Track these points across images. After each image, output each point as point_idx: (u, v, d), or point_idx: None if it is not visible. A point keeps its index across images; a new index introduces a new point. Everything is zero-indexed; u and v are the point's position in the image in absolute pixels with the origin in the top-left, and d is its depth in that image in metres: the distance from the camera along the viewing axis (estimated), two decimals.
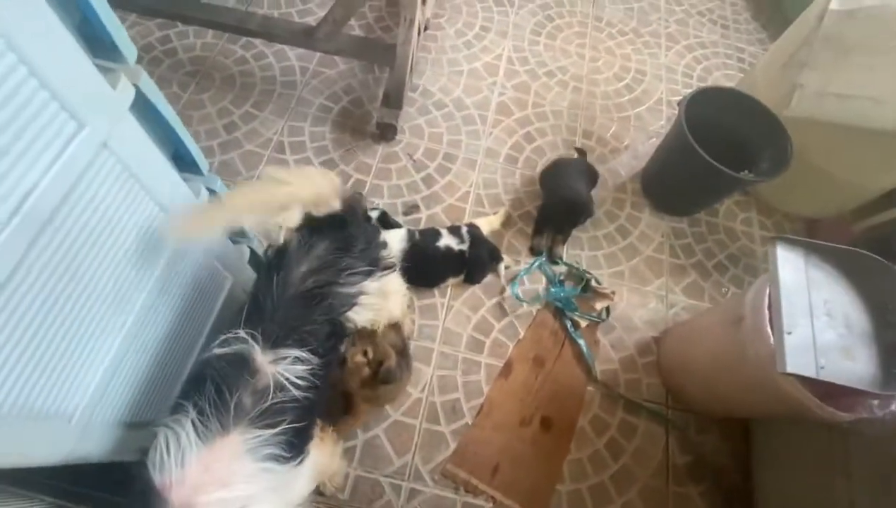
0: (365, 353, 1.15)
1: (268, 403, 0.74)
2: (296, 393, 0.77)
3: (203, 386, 0.74)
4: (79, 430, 0.71)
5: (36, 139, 0.53)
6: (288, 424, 0.76)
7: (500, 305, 1.57)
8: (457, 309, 1.55)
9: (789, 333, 1.06)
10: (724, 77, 2.29)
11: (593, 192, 1.74)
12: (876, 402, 1.05)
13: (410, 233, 1.49)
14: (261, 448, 0.72)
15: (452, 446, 1.34)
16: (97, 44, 0.64)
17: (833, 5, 1.47)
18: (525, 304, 1.56)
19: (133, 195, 0.71)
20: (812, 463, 1.24)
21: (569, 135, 1.97)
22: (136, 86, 0.69)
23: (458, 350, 1.48)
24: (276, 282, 0.84)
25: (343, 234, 0.93)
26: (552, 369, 1.49)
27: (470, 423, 1.38)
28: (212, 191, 0.95)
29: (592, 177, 1.76)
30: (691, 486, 1.38)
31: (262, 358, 0.76)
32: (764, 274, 1.19)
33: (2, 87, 0.48)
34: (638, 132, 2.03)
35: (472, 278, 1.57)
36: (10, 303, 0.55)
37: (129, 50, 0.67)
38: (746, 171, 1.60)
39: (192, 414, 0.71)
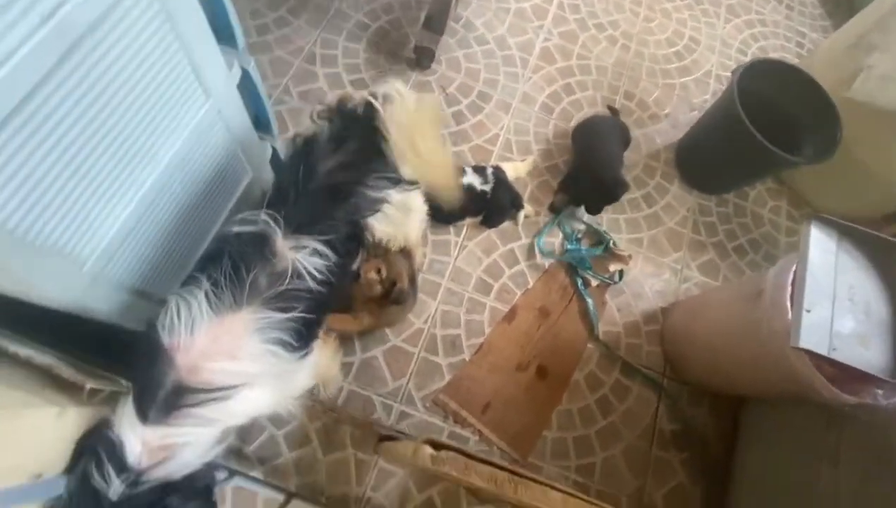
0: (378, 271, 1.13)
1: (283, 287, 0.73)
2: (311, 284, 0.75)
3: (220, 260, 0.72)
4: (89, 279, 0.70)
5: None
6: (299, 313, 0.74)
7: (513, 252, 1.55)
8: (470, 249, 1.52)
9: (808, 311, 1.03)
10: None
11: (625, 154, 1.68)
12: (881, 392, 1.04)
13: None
14: (270, 331, 0.71)
15: (447, 378, 1.35)
16: None
17: None
18: (542, 257, 1.54)
19: (168, 43, 0.67)
20: (800, 449, 1.24)
21: (610, 94, 1.89)
22: None
23: (465, 289, 1.47)
24: (303, 172, 0.81)
25: (373, 135, 0.89)
26: (556, 321, 1.48)
27: (467, 359, 1.38)
28: (245, 70, 0.91)
29: (625, 139, 1.69)
30: (674, 452, 1.40)
31: (282, 242, 0.74)
32: (791, 253, 1.16)
33: None
34: (681, 102, 1.95)
35: (490, 221, 1.54)
36: (31, 122, 0.52)
37: None
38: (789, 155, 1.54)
39: (206, 285, 0.70)
